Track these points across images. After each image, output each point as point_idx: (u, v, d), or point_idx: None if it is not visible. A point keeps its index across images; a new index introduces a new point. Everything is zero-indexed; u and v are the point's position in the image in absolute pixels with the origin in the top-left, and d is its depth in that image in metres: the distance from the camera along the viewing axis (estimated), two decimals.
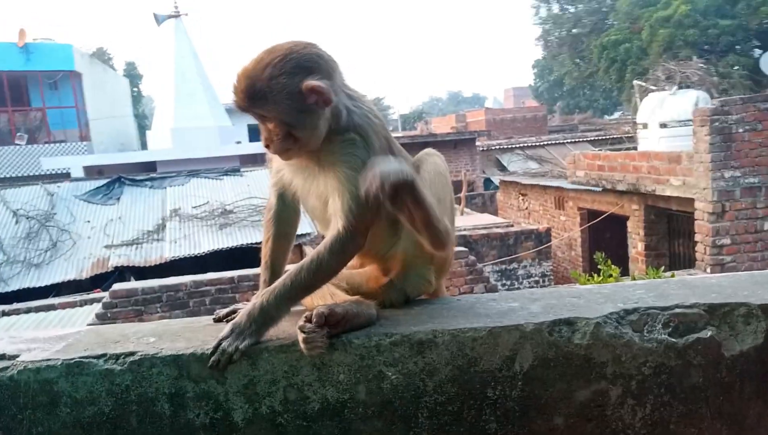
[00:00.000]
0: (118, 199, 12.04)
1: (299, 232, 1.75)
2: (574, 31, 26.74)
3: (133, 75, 37.32)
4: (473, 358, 1.30)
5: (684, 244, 9.37)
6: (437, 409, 1.30)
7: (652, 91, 10.74)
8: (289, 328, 1.34)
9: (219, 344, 1.28)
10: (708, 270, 7.94)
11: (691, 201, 8.29)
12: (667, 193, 8.79)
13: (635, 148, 11.33)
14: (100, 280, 9.59)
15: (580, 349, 1.32)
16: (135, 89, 36.52)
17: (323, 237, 1.47)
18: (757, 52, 19.14)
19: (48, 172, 17.68)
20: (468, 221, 11.93)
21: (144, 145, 24.69)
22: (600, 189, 10.63)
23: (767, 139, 7.83)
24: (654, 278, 4.86)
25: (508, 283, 10.20)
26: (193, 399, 1.28)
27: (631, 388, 1.33)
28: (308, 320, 1.26)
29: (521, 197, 14.71)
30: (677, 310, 1.35)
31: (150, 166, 17.54)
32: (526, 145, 22.17)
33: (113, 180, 12.71)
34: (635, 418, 1.33)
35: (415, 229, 1.35)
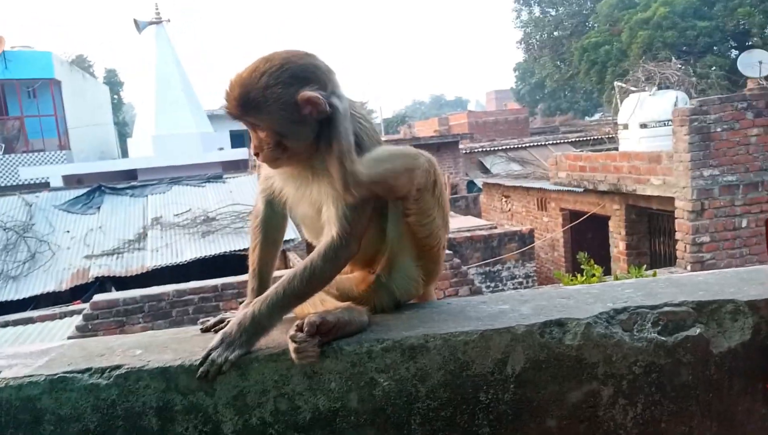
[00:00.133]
0: (99, 208, 11.85)
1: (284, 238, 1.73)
2: (554, 34, 27.04)
3: (113, 82, 36.92)
4: (465, 362, 1.30)
5: (665, 242, 9.49)
6: (430, 415, 1.30)
7: (632, 92, 10.89)
8: (278, 336, 1.32)
9: (208, 355, 1.26)
10: (688, 267, 8.06)
11: (672, 200, 8.41)
12: (648, 192, 8.91)
13: (616, 149, 11.47)
14: (80, 292, 9.42)
15: (571, 350, 1.32)
16: (115, 97, 36.13)
17: (309, 244, 1.46)
18: (734, 52, 19.53)
19: (26, 182, 17.39)
20: (452, 224, 11.96)
21: (125, 153, 24.41)
22: (582, 190, 10.74)
23: (744, 138, 7.98)
24: (636, 276, 4.92)
25: (493, 284, 10.23)
26: (182, 412, 1.25)
27: (622, 387, 1.33)
28: (299, 329, 1.24)
29: (504, 199, 14.80)
30: (666, 309, 1.36)
31: (131, 174, 17.35)
32: (508, 147, 22.31)
33: (93, 189, 12.52)
34: (627, 418, 1.34)
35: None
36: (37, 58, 19.62)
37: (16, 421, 1.22)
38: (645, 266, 7.28)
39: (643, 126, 10.09)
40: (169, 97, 19.85)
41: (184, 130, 19.65)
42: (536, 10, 27.85)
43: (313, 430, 1.28)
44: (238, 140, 22.69)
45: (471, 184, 20.69)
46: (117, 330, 5.93)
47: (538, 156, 20.43)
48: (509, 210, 14.48)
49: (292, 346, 1.24)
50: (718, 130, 7.91)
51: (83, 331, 5.88)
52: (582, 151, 15.64)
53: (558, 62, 27.24)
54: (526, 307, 1.44)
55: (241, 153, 19.42)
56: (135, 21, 20.96)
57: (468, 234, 10.38)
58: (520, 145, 22.47)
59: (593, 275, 5.52)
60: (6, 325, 6.71)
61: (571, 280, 5.59)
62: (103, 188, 12.51)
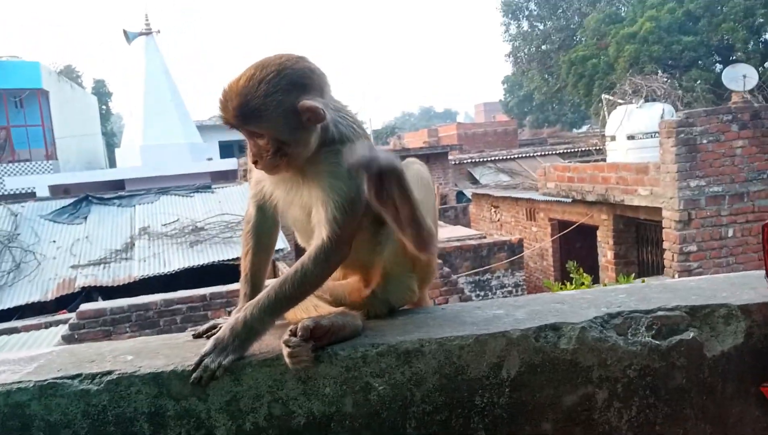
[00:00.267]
0: (85, 218, 11.73)
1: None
2: (543, 47, 27.36)
3: (102, 93, 36.73)
4: (460, 366, 1.29)
5: (652, 251, 9.57)
6: (425, 419, 1.29)
7: (620, 104, 11.03)
8: (272, 341, 1.31)
9: (201, 360, 1.24)
10: (676, 277, 8.12)
11: (659, 210, 8.49)
12: (635, 202, 8.99)
13: (603, 160, 11.58)
14: (66, 302, 9.29)
15: (566, 354, 1.32)
16: (104, 107, 35.94)
17: (301, 249, 1.45)
18: (718, 67, 19.90)
19: (12, 192, 17.20)
20: (442, 234, 11.98)
21: (112, 164, 24.24)
22: (570, 200, 10.81)
23: (730, 149, 8.09)
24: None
25: (482, 293, 10.25)
26: (174, 418, 1.23)
27: (617, 391, 1.33)
28: (293, 333, 1.23)
29: (493, 209, 14.86)
30: (660, 313, 1.37)
31: (118, 185, 17.20)
32: (497, 158, 22.46)
33: (80, 199, 12.40)
34: (622, 421, 1.34)
35: (398, 226, 1.31)
36: (25, 68, 19.51)
37: (4, 427, 1.20)
38: (633, 275, 7.34)
39: (631, 137, 10.21)
40: (157, 108, 19.79)
41: (173, 140, 19.58)
42: (525, 24, 28.19)
43: None
44: (227, 150, 22.65)
45: (460, 195, 20.77)
46: (104, 340, 5.84)
47: (527, 167, 20.58)
48: (498, 220, 14.54)
49: (286, 350, 1.22)
50: (704, 141, 8.01)
51: (69, 341, 5.79)
52: (570, 162, 15.78)
53: (546, 75, 27.54)
54: (521, 311, 1.44)
55: (230, 163, 19.37)
56: (124, 31, 20.94)
57: (458, 244, 10.40)
58: (508, 157, 22.63)
59: (582, 284, 5.55)
60: None
61: (561, 288, 5.61)
62: (90, 198, 12.39)
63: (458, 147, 24.41)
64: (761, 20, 19.13)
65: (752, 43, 19.76)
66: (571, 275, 6.13)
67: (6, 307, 9.18)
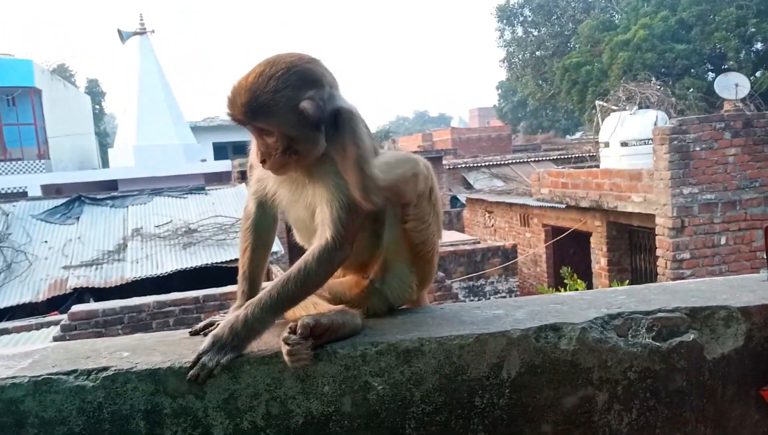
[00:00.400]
0: (78, 218, 11.64)
1: None
2: (537, 53, 27.48)
3: (95, 92, 36.54)
4: (460, 366, 1.28)
5: (645, 258, 9.61)
6: (425, 420, 1.28)
7: (613, 111, 11.09)
8: (270, 339, 1.30)
9: (199, 358, 1.23)
10: None
11: (652, 217, 8.53)
12: (629, 209, 9.03)
13: (597, 167, 11.63)
14: (57, 303, 9.21)
15: (566, 355, 1.31)
16: (97, 107, 35.73)
17: (296, 250, 1.44)
18: (711, 75, 20.06)
19: (3, 191, 17.05)
20: None
21: (105, 164, 24.13)
22: (564, 206, 10.85)
23: (722, 157, 8.14)
24: None
25: (476, 299, 10.25)
26: (170, 415, 1.22)
27: (617, 393, 1.33)
28: (293, 331, 1.22)
29: (487, 214, 14.88)
30: (660, 315, 1.37)
31: (111, 185, 17.12)
32: (491, 163, 22.51)
33: (72, 199, 12.30)
34: (622, 423, 1.33)
35: (343, 168, 1.28)
36: (18, 66, 19.37)
37: None
38: (627, 282, 7.37)
39: (624, 144, 10.26)
40: (151, 108, 19.72)
41: (166, 141, 19.51)
42: (519, 30, 28.31)
43: None
44: (221, 152, 22.58)
45: (454, 200, 20.80)
46: None
47: (521, 172, 20.63)
48: (492, 225, 14.56)
49: (285, 348, 1.21)
50: (697, 149, 8.06)
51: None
52: (564, 168, 15.84)
53: (540, 81, 27.66)
54: (521, 312, 1.43)
55: (224, 165, 19.32)
56: (119, 31, 20.86)
57: (452, 248, 10.40)
58: (502, 162, 22.68)
59: (576, 290, 5.57)
60: None
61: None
62: (82, 198, 12.30)
63: (452, 152, 24.48)
64: (753, 30, 19.31)
65: (744, 52, 19.95)
66: (565, 281, 6.15)
67: None
